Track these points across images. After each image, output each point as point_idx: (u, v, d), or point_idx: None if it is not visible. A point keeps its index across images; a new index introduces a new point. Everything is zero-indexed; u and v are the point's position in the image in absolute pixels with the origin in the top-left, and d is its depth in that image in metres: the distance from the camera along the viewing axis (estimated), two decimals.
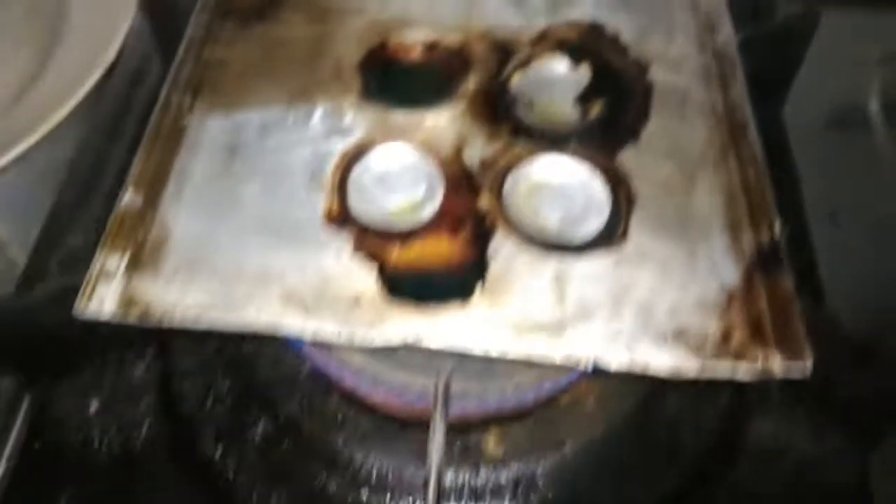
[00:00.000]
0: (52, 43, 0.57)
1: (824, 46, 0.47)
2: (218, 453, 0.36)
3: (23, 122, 0.49)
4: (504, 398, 0.35)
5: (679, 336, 0.31)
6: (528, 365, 0.35)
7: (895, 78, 0.49)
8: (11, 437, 0.36)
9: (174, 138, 0.37)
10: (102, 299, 0.31)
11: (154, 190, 0.35)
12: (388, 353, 0.35)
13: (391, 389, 0.35)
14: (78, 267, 0.40)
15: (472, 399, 0.35)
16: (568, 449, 0.37)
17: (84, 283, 0.32)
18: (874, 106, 0.49)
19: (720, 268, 0.33)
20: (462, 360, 0.33)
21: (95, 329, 0.34)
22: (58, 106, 0.49)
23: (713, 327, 0.31)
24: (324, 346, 0.36)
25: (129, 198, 0.34)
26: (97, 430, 0.36)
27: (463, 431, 0.37)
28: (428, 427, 0.36)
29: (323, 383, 0.38)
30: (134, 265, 0.32)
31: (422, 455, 0.36)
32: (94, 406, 0.36)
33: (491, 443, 0.37)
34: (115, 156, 0.46)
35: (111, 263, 0.32)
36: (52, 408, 0.36)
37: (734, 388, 0.38)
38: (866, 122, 0.48)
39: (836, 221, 0.44)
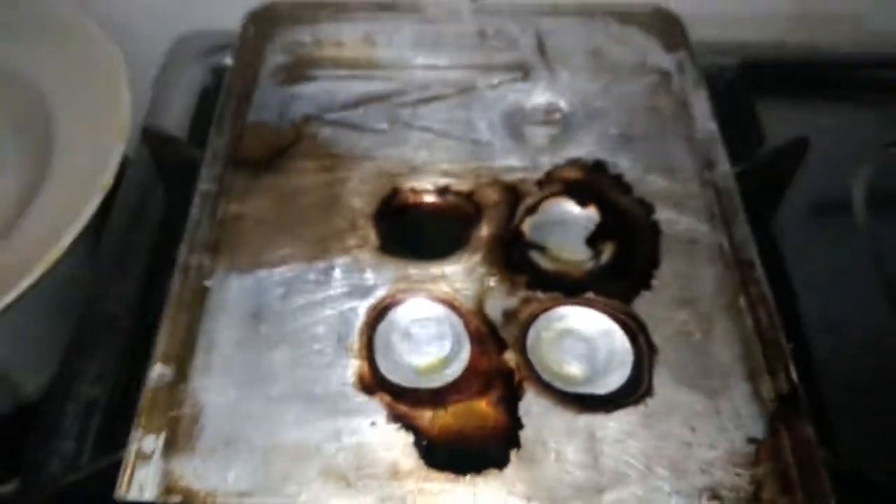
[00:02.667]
0: (44, 166, 0.57)
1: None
2: None
3: (18, 260, 0.49)
4: None
5: (713, 494, 0.32)
6: None
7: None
8: None
9: (197, 303, 0.37)
10: (142, 484, 0.31)
11: (182, 362, 0.35)
12: None
13: None
14: (92, 417, 0.40)
15: None
16: None
17: (122, 468, 0.31)
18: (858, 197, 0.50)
19: (745, 419, 0.34)
20: None
21: None
22: (54, 240, 0.49)
23: (745, 482, 0.32)
24: None
25: (159, 372, 0.34)
26: None
27: None
28: None
29: None
30: (170, 445, 0.32)
31: None
32: None
33: None
34: (124, 297, 0.46)
35: (147, 444, 0.32)
36: None
37: None
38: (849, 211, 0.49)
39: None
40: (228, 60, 0.51)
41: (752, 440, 0.34)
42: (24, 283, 0.47)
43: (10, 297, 0.46)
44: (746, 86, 0.54)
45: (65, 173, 0.56)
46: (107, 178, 0.53)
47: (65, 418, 0.41)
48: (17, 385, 0.55)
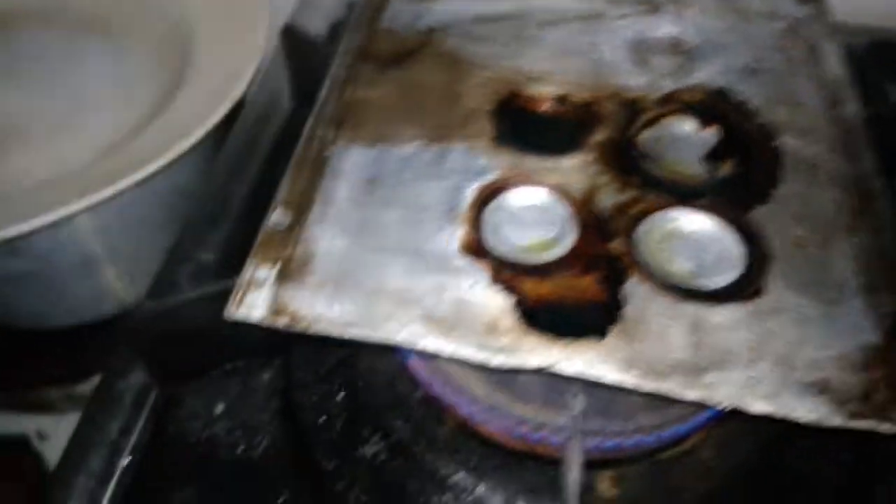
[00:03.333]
0: (180, 78, 0.60)
1: None
2: (331, 465, 0.36)
3: (148, 149, 0.52)
4: (624, 439, 0.35)
5: (820, 389, 0.31)
6: (650, 407, 0.35)
7: None
8: (137, 430, 0.37)
9: (318, 166, 0.39)
10: (252, 305, 0.32)
11: (300, 211, 0.36)
12: (508, 384, 0.36)
13: (509, 420, 0.36)
14: (205, 280, 0.42)
15: (592, 437, 0.35)
16: (685, 497, 0.36)
17: (235, 290, 0.33)
18: None
19: (859, 328, 0.33)
20: (585, 394, 0.34)
21: (226, 336, 0.35)
22: (183, 136, 0.52)
23: (854, 383, 0.31)
24: (440, 373, 0.37)
25: (278, 216, 0.36)
26: (221, 432, 0.37)
27: None
28: (544, 461, 0.36)
29: (436, 409, 0.38)
30: (282, 276, 0.34)
31: (537, 488, 0.36)
32: (219, 408, 0.37)
33: (606, 484, 0.36)
34: (242, 186, 0.48)
35: (261, 273, 0.34)
36: (179, 407, 0.37)
37: (858, 446, 0.37)
38: None
39: None
40: None
41: (865, 347, 0.32)
42: (151, 167, 0.50)
43: (137, 176, 0.49)
44: (876, 65, 0.53)
45: (200, 84, 0.59)
46: (238, 89, 0.56)
47: (178, 277, 0.43)
48: (121, 290, 0.59)
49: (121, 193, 0.48)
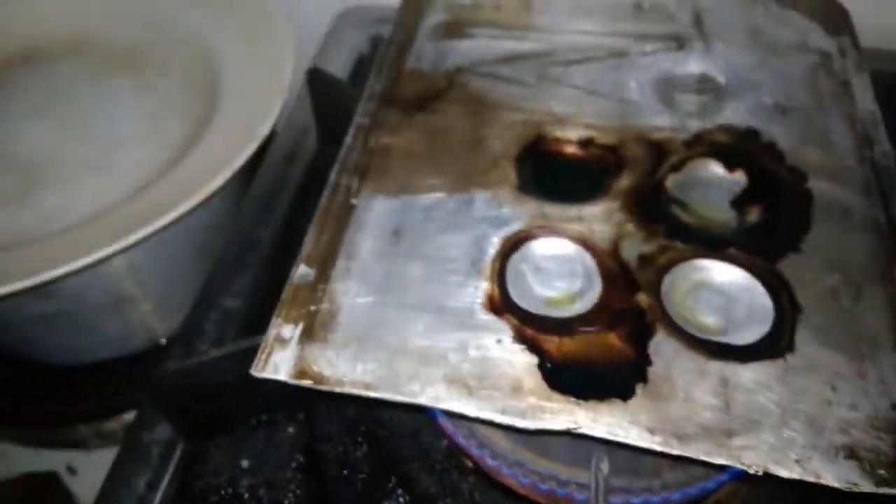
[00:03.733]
0: (207, 115, 0.61)
1: None
2: None
3: (178, 188, 0.52)
4: (650, 496, 0.35)
5: (851, 453, 0.30)
6: (676, 464, 0.35)
7: None
8: (163, 486, 0.37)
9: (343, 218, 0.39)
10: (277, 365, 0.33)
11: (325, 265, 0.37)
12: (533, 439, 0.36)
13: (535, 476, 0.35)
14: (231, 328, 0.42)
15: (618, 494, 0.35)
16: None
17: (261, 348, 0.33)
18: None
19: (891, 386, 0.32)
20: (610, 453, 0.33)
21: (251, 391, 0.35)
22: (213, 175, 0.52)
23: (886, 446, 0.30)
24: (464, 426, 0.37)
25: (303, 272, 0.36)
26: (245, 489, 0.37)
27: None
28: None
29: (460, 461, 0.38)
30: (306, 335, 0.34)
31: None
32: (244, 463, 0.38)
33: None
34: (268, 229, 0.49)
35: (285, 332, 0.34)
36: (205, 462, 0.37)
37: None
38: None
39: None
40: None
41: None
42: (182, 208, 0.50)
43: (169, 217, 0.50)
44: None
45: (227, 122, 0.60)
46: (264, 128, 0.56)
47: (205, 324, 0.43)
48: (152, 325, 0.59)
49: (153, 234, 0.49)
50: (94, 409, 0.56)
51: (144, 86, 0.65)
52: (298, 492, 0.37)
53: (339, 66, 0.56)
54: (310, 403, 0.40)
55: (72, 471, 0.54)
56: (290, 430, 0.39)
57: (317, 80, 0.49)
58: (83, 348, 0.58)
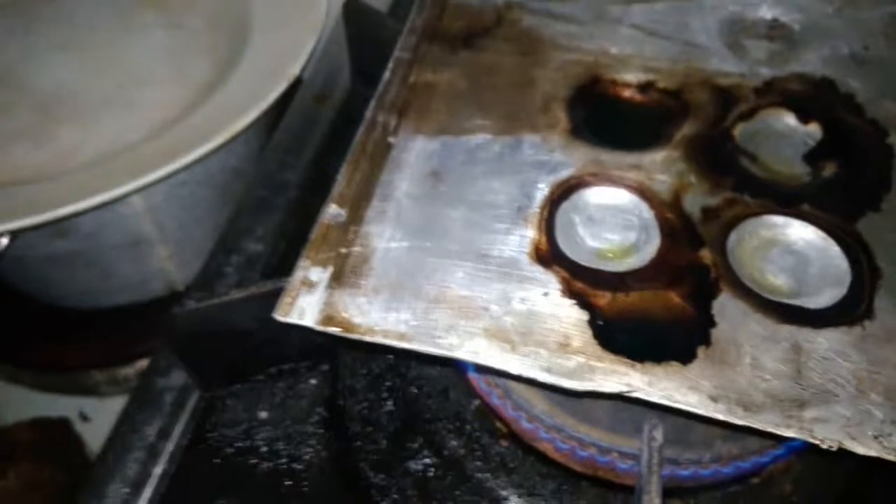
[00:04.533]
0: (235, 54, 0.58)
1: None
2: (378, 479, 0.34)
3: (201, 128, 0.50)
4: (700, 469, 0.32)
5: None
6: (729, 436, 0.32)
7: None
8: (175, 434, 0.35)
9: (379, 157, 0.36)
10: (303, 309, 0.30)
11: (358, 206, 0.34)
12: (573, 401, 0.33)
13: (574, 442, 0.32)
14: (254, 272, 0.39)
15: (667, 465, 0.32)
16: None
17: (285, 291, 0.30)
18: None
19: None
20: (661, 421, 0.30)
21: (273, 338, 0.32)
22: (238, 116, 0.49)
23: None
24: (500, 386, 0.34)
25: (333, 211, 0.33)
26: (262, 441, 0.34)
27: None
28: (604, 485, 0.33)
29: (492, 422, 0.36)
30: (336, 279, 0.31)
31: None
32: (262, 415, 0.35)
33: None
34: (295, 172, 0.46)
35: (313, 275, 0.31)
36: (220, 411, 0.35)
37: None
38: None
39: None
40: None
41: None
42: (203, 149, 0.48)
43: (190, 157, 0.47)
44: None
45: (255, 62, 0.57)
46: (295, 67, 0.53)
47: (226, 267, 0.41)
48: (169, 270, 0.57)
49: (172, 174, 0.46)
50: (108, 355, 0.53)
51: (170, 24, 0.62)
52: (319, 447, 0.34)
53: (378, 1, 0.52)
54: (335, 354, 0.37)
55: (84, 417, 0.52)
56: (313, 381, 0.36)
57: (354, 12, 0.45)
58: (99, 291, 0.56)
